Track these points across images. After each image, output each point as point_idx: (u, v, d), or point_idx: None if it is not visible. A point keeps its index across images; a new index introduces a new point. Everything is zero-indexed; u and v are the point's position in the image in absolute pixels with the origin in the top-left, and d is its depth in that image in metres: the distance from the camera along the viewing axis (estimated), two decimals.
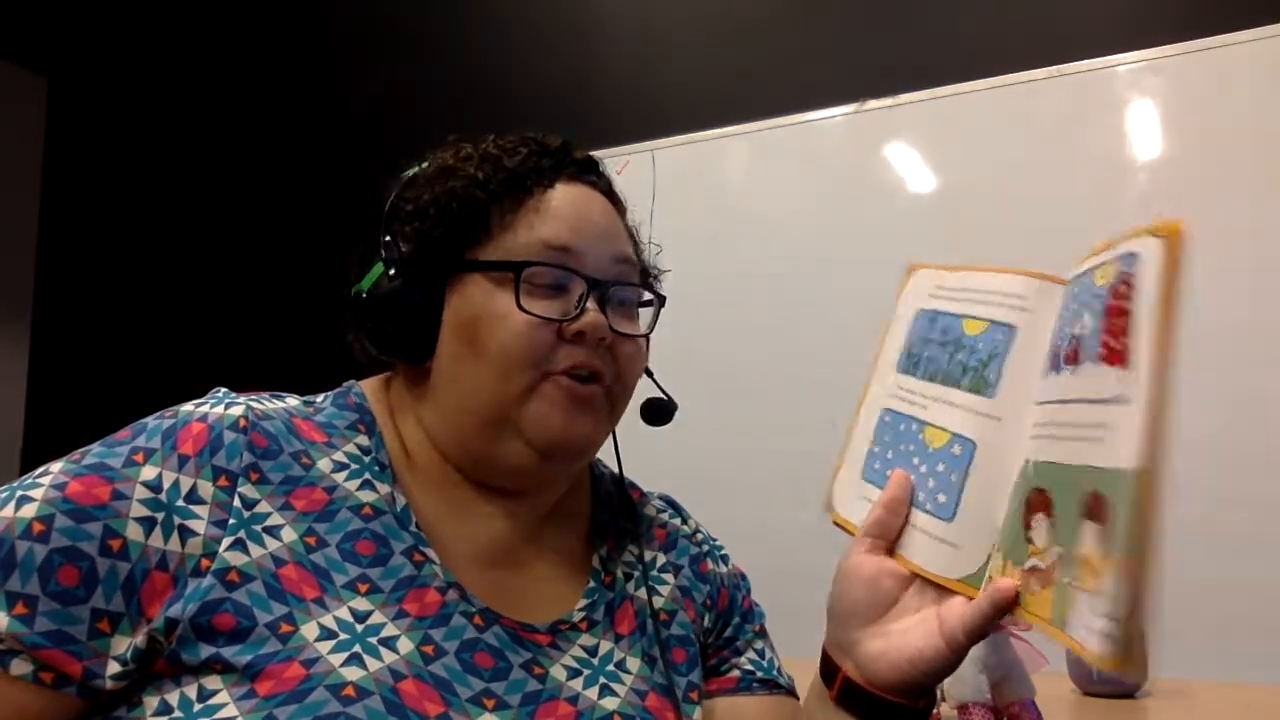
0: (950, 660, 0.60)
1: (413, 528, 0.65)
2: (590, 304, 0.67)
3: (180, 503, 0.58)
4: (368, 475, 0.65)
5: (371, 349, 0.70)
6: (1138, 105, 1.96)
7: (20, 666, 0.53)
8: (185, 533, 0.57)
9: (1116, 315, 0.51)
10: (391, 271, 0.68)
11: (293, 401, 0.68)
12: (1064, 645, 0.51)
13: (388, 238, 0.69)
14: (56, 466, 0.59)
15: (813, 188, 2.25)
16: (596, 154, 0.76)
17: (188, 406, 0.63)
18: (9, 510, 0.55)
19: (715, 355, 2.19)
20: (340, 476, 0.64)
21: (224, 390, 0.66)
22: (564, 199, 0.70)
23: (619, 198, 0.76)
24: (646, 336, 0.73)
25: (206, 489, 0.59)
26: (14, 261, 3.28)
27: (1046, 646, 1.10)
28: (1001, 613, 0.57)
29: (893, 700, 0.62)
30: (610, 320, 0.68)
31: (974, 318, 0.66)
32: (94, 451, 0.59)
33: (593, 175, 0.74)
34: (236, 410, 0.63)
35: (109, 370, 3.15)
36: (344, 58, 2.95)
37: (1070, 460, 0.54)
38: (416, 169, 0.73)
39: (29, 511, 0.55)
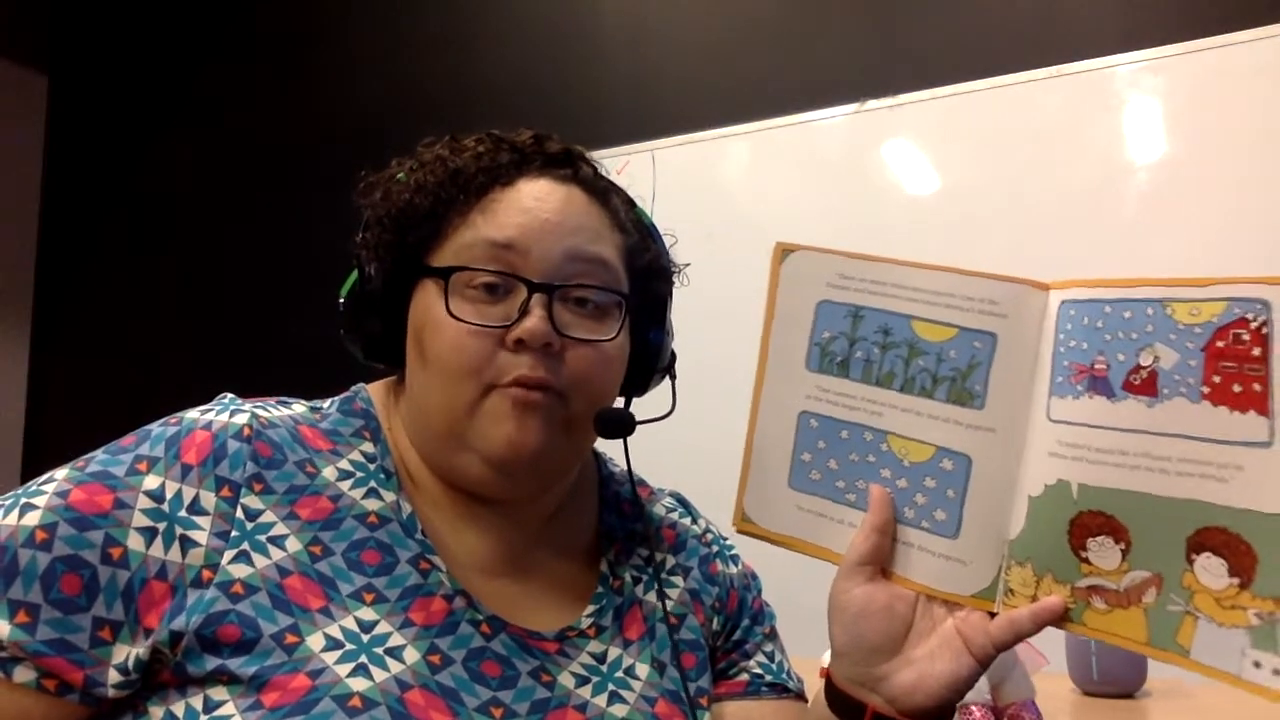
0: (980, 673, 0.61)
1: (419, 535, 0.64)
2: (535, 308, 0.62)
3: (182, 513, 0.57)
4: (373, 483, 0.65)
5: (357, 355, 0.70)
6: (1138, 105, 1.96)
7: (23, 674, 0.53)
8: (186, 543, 0.57)
9: (1235, 359, 0.54)
10: (361, 278, 0.68)
11: (298, 408, 0.68)
12: (1189, 670, 0.55)
13: (359, 245, 0.68)
14: (61, 473, 0.58)
15: (813, 188, 2.25)
16: (598, 154, 0.73)
17: (193, 413, 0.63)
18: (13, 518, 0.55)
19: (716, 355, 2.19)
20: (345, 485, 0.64)
21: (230, 396, 0.66)
22: (517, 196, 0.65)
23: (605, 191, 0.70)
24: (610, 340, 0.66)
25: (209, 499, 0.58)
26: (15, 261, 3.27)
27: (1047, 646, 1.10)
28: (1042, 627, 0.59)
29: None
30: (562, 325, 0.63)
31: (930, 321, 0.63)
32: (98, 459, 0.59)
33: (565, 169, 0.69)
34: (241, 418, 0.62)
35: (110, 371, 3.15)
36: (345, 59, 2.95)
37: (1160, 492, 0.56)
38: (384, 174, 0.71)
39: (32, 519, 0.55)
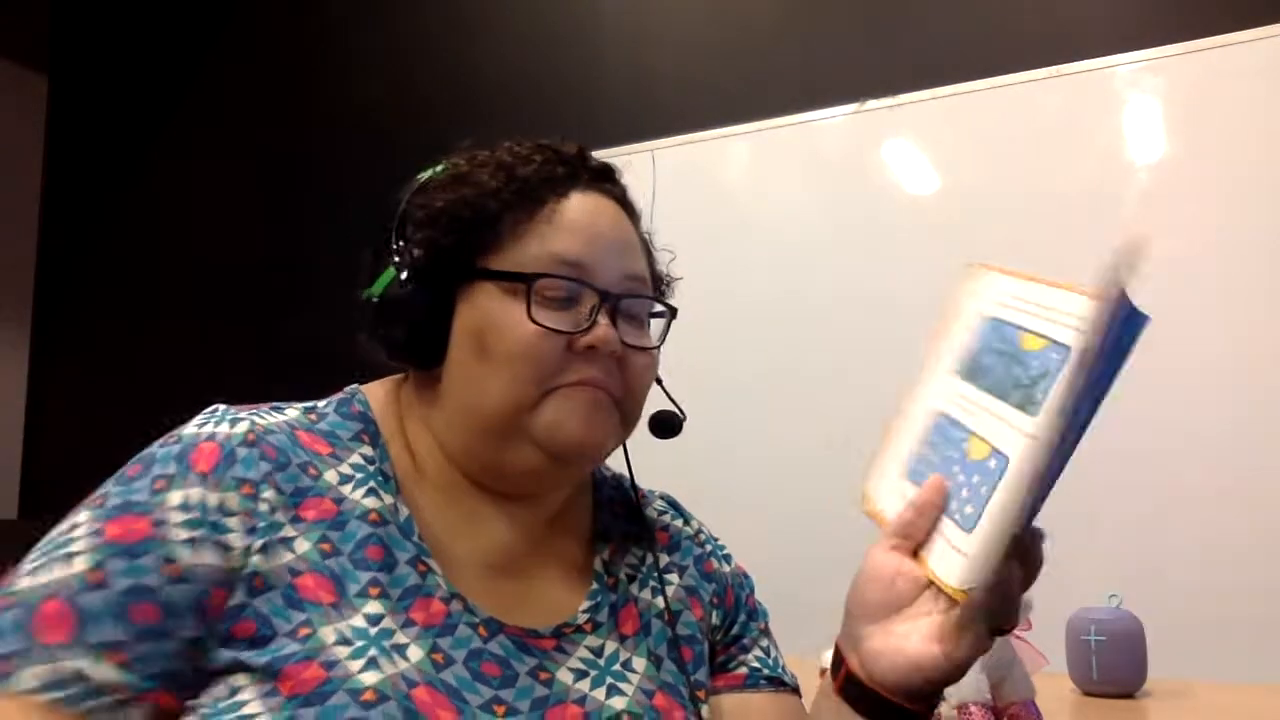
0: (947, 670, 0.61)
1: (415, 539, 0.65)
2: (601, 317, 0.67)
3: (214, 517, 0.58)
4: (372, 484, 0.66)
5: (382, 354, 0.70)
6: (1138, 105, 1.97)
7: (136, 716, 0.54)
8: (224, 545, 0.58)
9: None
10: (403, 276, 0.68)
11: (292, 413, 0.68)
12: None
13: (400, 243, 0.69)
14: (83, 516, 0.58)
15: (813, 188, 2.25)
16: (598, 154, 0.75)
17: (189, 429, 0.63)
18: (60, 571, 0.55)
19: (715, 356, 2.19)
20: (346, 488, 0.64)
21: (222, 407, 0.66)
22: (578, 210, 0.69)
23: (633, 206, 0.75)
24: (658, 349, 0.73)
25: (233, 499, 0.59)
26: (15, 261, 3.28)
27: (1047, 646, 1.10)
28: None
29: (887, 698, 0.62)
30: (620, 333, 0.68)
31: (1034, 333, 0.65)
32: (114, 492, 0.59)
33: (608, 184, 0.74)
34: (242, 426, 0.63)
35: (110, 371, 3.15)
36: (346, 59, 2.95)
37: None
38: (430, 173, 0.72)
39: (81, 565, 0.55)
